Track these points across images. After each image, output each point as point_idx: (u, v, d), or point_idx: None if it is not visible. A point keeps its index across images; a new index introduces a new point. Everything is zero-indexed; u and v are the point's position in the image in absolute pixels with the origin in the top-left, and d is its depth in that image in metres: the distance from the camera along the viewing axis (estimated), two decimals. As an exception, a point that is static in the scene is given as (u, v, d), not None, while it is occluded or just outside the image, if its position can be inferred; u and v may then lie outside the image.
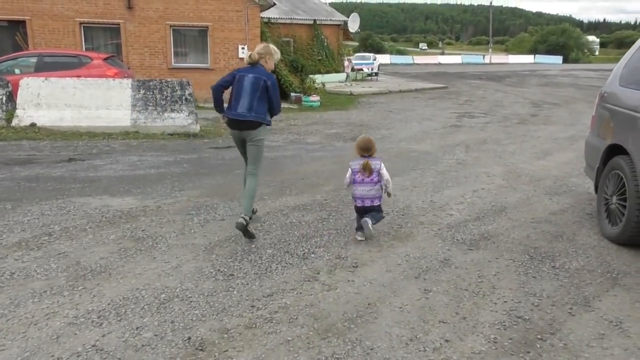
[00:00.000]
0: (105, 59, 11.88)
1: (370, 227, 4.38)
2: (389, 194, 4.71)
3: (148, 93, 9.82)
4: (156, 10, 15.27)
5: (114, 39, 15.36)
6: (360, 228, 4.51)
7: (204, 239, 4.48)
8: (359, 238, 4.52)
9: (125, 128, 9.54)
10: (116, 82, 9.92)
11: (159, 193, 5.86)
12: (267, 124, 4.59)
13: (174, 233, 4.59)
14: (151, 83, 9.99)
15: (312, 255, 4.16)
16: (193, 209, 5.31)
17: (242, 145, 4.69)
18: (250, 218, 4.53)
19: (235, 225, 4.37)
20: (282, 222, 4.95)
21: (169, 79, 10.53)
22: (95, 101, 9.59)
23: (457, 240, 4.58)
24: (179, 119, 9.84)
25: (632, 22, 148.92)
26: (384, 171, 4.53)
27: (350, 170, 4.58)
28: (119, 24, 15.10)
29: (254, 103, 4.47)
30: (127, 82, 9.92)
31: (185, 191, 5.98)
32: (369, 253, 4.24)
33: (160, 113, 9.81)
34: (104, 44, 15.35)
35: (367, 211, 4.51)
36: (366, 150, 4.58)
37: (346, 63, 25.39)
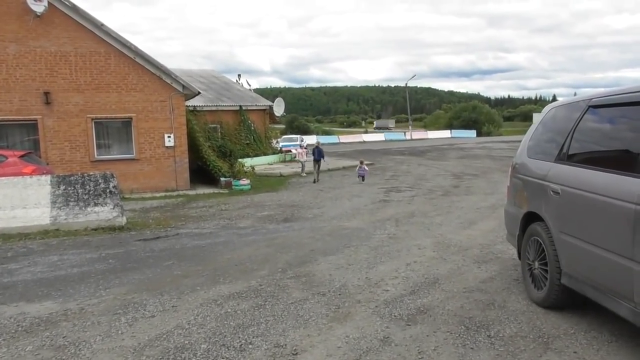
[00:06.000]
0: (21, 157, 11.41)
1: (362, 180, 17.25)
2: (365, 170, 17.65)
3: (69, 188, 9.44)
4: (76, 104, 15.03)
5: (31, 135, 14.85)
6: (360, 180, 17.23)
7: (133, 339, 4.20)
8: (360, 182, 17.01)
9: (44, 227, 9.00)
10: (33, 179, 9.47)
11: (82, 294, 5.49)
12: (322, 159, 18.68)
13: (99, 336, 4.27)
14: (72, 178, 9.64)
15: (250, 346, 3.99)
16: (120, 307, 5.00)
17: (314, 165, 18.45)
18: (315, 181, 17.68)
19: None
20: (217, 313, 4.76)
21: (91, 173, 10.20)
22: (10, 201, 9.05)
23: (395, 316, 4.57)
24: (104, 213, 9.46)
25: (533, 98, 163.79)
26: (366, 167, 17.92)
27: (357, 166, 17.98)
28: (37, 120, 14.67)
29: (318, 155, 18.42)
30: (46, 179, 9.50)
31: (111, 289, 5.64)
32: (309, 338, 4.13)
33: (83, 208, 9.40)
34: (20, 140, 14.78)
35: (362, 176, 17.44)
36: (361, 163, 17.87)
37: (299, 150, 22.52)
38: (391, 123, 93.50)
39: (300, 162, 21.41)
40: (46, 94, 14.62)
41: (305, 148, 22.56)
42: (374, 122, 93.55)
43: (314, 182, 17.73)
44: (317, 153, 18.65)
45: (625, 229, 3.52)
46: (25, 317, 4.78)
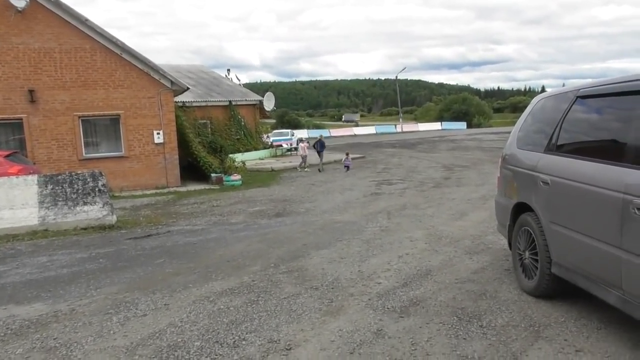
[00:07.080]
0: (6, 156, 11.27)
1: (347, 170, 18.82)
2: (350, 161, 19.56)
3: (57, 188, 9.34)
4: (62, 102, 14.86)
5: (16, 135, 14.65)
6: (346, 169, 18.82)
7: (125, 339, 4.17)
8: (346, 173, 18.33)
9: (32, 227, 8.91)
10: (20, 179, 9.35)
11: (72, 294, 5.45)
12: (323, 149, 21.20)
13: (90, 337, 4.24)
14: (60, 177, 9.54)
15: (243, 343, 3.99)
16: (111, 307, 4.97)
17: (318, 153, 20.75)
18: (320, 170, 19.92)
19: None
20: (210, 310, 4.75)
21: (79, 171, 10.11)
22: (-4, 202, 8.95)
23: (388, 308, 4.58)
24: (93, 212, 9.38)
25: (522, 89, 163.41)
26: (350, 158, 19.65)
27: (343, 157, 19.71)
28: (22, 119, 14.47)
29: (321, 147, 20.97)
30: (33, 179, 9.39)
31: (102, 288, 5.60)
32: (302, 332, 4.13)
33: (72, 207, 9.32)
34: (5, 140, 14.56)
35: (347, 166, 19.12)
36: (346, 155, 19.85)
37: (302, 145, 22.15)
38: (356, 117, 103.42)
39: (302, 156, 21.08)
40: (31, 91, 14.43)
41: (307, 142, 22.50)
42: (343, 116, 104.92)
43: (319, 170, 19.99)
44: (320, 145, 21.14)
45: (613, 217, 3.54)
46: (15, 320, 4.73)
